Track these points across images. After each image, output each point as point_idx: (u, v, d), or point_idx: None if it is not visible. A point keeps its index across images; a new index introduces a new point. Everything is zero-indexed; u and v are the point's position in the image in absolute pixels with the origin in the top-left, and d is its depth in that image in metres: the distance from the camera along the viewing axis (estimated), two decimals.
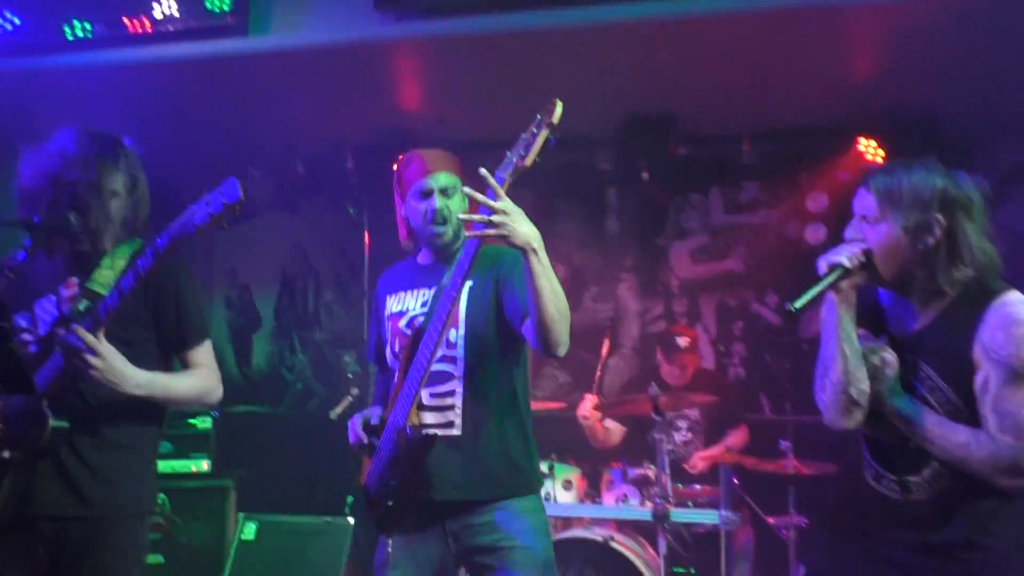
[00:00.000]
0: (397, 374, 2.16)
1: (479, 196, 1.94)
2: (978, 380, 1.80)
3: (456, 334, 2.17)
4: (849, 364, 1.85)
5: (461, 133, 5.05)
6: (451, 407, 2.14)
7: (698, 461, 4.21)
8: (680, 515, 3.68)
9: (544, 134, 1.90)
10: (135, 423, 2.17)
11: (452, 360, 2.16)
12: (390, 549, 2.16)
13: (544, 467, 3.90)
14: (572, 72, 4.17)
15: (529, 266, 1.95)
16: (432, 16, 3.61)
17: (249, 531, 4.00)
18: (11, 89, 4.16)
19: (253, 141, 4.91)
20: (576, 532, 3.72)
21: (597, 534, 3.64)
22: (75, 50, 3.92)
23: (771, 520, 4.02)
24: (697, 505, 3.91)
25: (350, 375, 5.39)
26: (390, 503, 2.12)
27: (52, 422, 2.02)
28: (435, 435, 2.07)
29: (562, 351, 2.03)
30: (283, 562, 3.90)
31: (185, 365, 2.24)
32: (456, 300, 2.06)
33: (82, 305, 2.08)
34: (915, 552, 1.85)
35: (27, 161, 2.14)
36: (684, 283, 5.64)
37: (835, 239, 5.37)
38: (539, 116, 1.92)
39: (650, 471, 3.92)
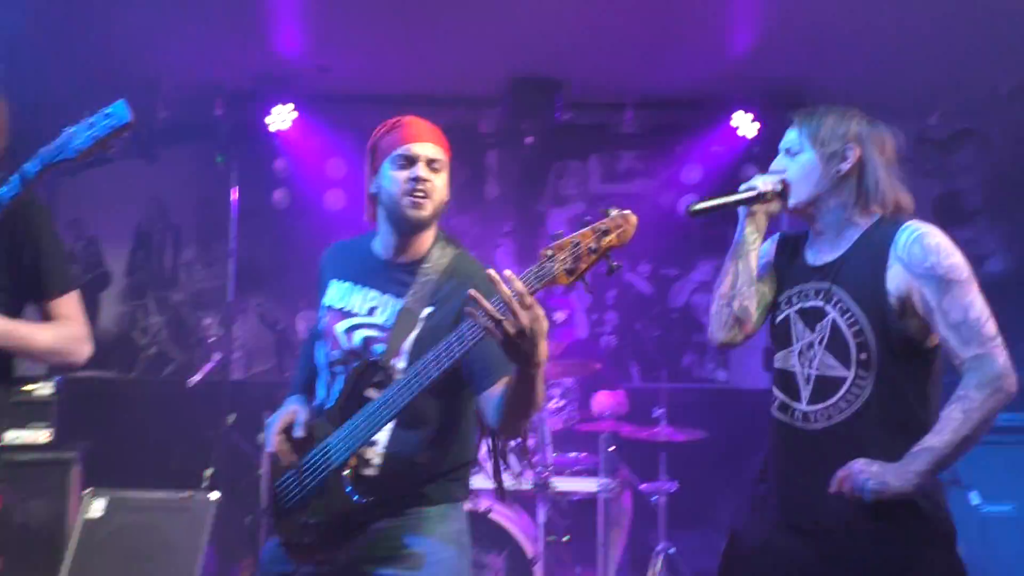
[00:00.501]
0: (342, 390, 1.90)
1: (490, 296, 1.57)
2: (919, 306, 1.82)
3: (398, 365, 1.89)
4: (738, 280, 2.01)
5: (344, 84, 4.79)
6: (373, 442, 1.88)
7: (578, 428, 4.23)
8: (561, 483, 3.68)
9: (602, 258, 1.57)
10: None
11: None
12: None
13: None
14: (459, 29, 4.02)
15: (523, 385, 1.68)
16: None
17: (97, 508, 3.67)
18: None
19: (108, 77, 4.42)
20: None
21: (478, 505, 3.58)
22: None
23: (643, 486, 4.10)
24: (575, 473, 3.92)
25: (212, 339, 5.05)
26: (305, 540, 1.89)
27: None
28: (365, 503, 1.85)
29: (515, 440, 1.93)
30: (136, 541, 3.58)
31: (48, 317, 1.96)
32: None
33: None
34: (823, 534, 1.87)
35: None
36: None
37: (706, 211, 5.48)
38: (604, 229, 1.57)
39: (529, 440, 3.89)
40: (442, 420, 1.93)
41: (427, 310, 1.90)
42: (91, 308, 5.58)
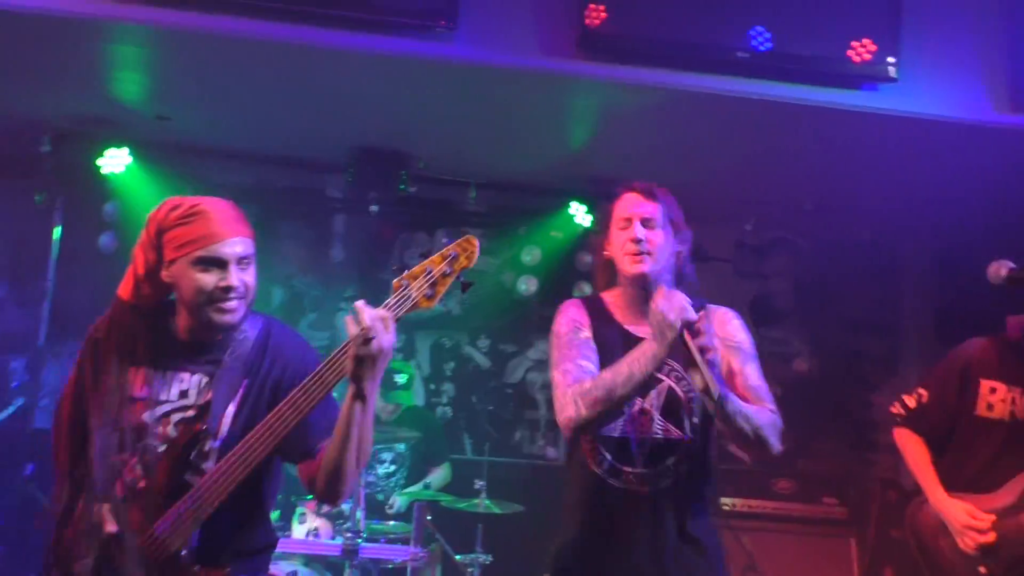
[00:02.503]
0: (156, 477, 1.75)
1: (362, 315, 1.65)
2: (724, 369, 2.03)
3: (210, 445, 1.77)
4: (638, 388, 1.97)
5: (184, 136, 4.72)
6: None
7: (396, 500, 4.23)
8: (370, 550, 3.64)
9: (454, 279, 1.70)
10: None
11: (201, 473, 1.76)
12: None
13: None
14: (308, 91, 4.09)
15: (353, 402, 1.68)
16: (161, 4, 3.33)
17: None
18: None
19: None
20: None
21: (281, 568, 3.49)
22: None
23: (458, 557, 4.11)
24: (389, 541, 3.90)
25: (16, 384, 4.73)
26: None
27: None
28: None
29: (341, 501, 1.85)
30: None
31: None
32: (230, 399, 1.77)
33: None
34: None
35: None
36: (402, 319, 5.68)
37: (545, 292, 5.68)
38: (454, 253, 1.70)
39: (345, 505, 3.85)
40: (254, 498, 1.84)
41: (242, 384, 1.82)
42: None
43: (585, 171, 4.92)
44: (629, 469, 2.02)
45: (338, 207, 5.48)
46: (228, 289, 1.76)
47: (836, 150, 4.32)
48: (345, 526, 3.67)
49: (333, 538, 3.78)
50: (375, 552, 3.73)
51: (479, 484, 4.16)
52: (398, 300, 1.70)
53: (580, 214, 5.20)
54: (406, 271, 1.72)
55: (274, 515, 3.95)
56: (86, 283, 5.13)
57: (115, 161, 4.65)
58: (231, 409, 1.80)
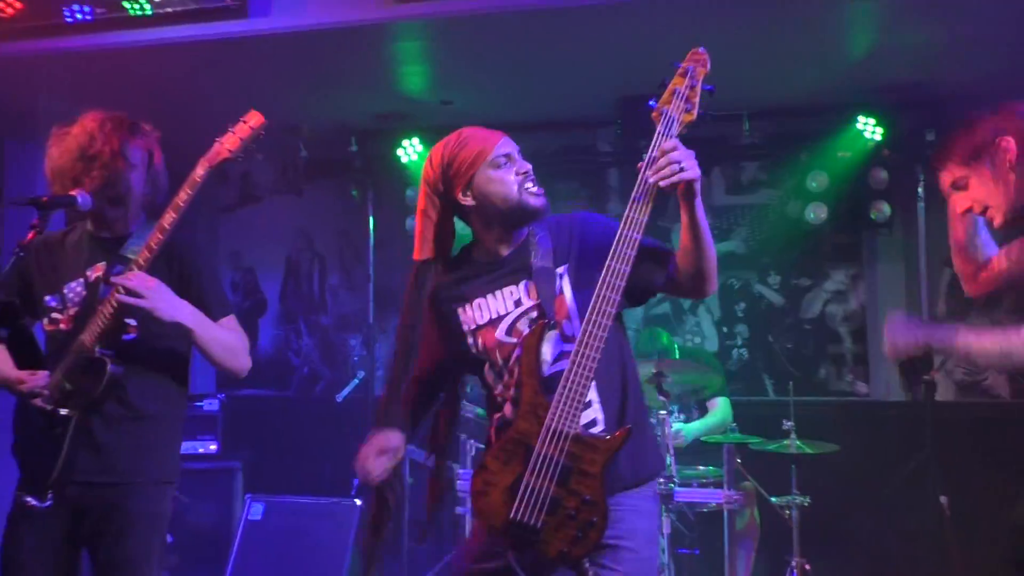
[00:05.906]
0: (525, 383, 1.84)
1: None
2: None
3: (571, 326, 1.89)
4: None
5: (465, 117, 4.98)
6: (588, 403, 1.85)
7: (681, 435, 4.13)
8: (684, 494, 3.69)
9: (701, 87, 1.86)
10: (162, 397, 2.27)
11: (565, 357, 1.84)
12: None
13: None
14: (571, 52, 4.16)
15: (694, 209, 1.80)
16: None
17: (256, 511, 4.06)
18: (11, 73, 4.17)
19: None
20: None
21: None
22: (75, 34, 3.94)
23: (773, 499, 4.03)
24: (701, 485, 3.91)
25: (356, 359, 5.42)
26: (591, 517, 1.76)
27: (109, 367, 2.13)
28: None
29: (715, 287, 1.92)
30: (290, 542, 3.95)
31: None
32: (554, 284, 1.89)
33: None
34: None
35: (55, 140, 2.24)
36: None
37: (835, 218, 5.31)
38: (690, 67, 1.88)
39: None
40: (624, 361, 1.94)
41: (560, 269, 1.93)
42: (251, 332, 6.11)
43: (870, 81, 4.50)
44: None
45: (610, 161, 5.53)
46: (527, 173, 1.93)
47: None
48: None
49: None
50: (689, 496, 3.76)
51: (787, 424, 4.02)
52: (665, 125, 1.85)
53: (869, 128, 4.78)
54: (660, 99, 1.88)
55: None
56: (399, 264, 5.74)
57: (410, 150, 5.10)
58: (567, 292, 1.90)
